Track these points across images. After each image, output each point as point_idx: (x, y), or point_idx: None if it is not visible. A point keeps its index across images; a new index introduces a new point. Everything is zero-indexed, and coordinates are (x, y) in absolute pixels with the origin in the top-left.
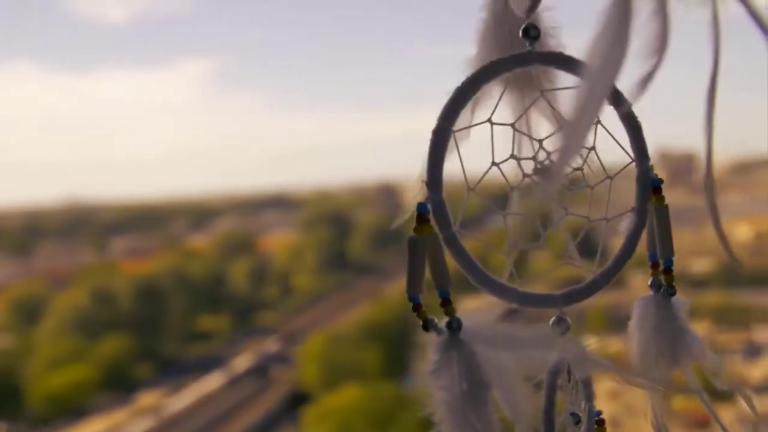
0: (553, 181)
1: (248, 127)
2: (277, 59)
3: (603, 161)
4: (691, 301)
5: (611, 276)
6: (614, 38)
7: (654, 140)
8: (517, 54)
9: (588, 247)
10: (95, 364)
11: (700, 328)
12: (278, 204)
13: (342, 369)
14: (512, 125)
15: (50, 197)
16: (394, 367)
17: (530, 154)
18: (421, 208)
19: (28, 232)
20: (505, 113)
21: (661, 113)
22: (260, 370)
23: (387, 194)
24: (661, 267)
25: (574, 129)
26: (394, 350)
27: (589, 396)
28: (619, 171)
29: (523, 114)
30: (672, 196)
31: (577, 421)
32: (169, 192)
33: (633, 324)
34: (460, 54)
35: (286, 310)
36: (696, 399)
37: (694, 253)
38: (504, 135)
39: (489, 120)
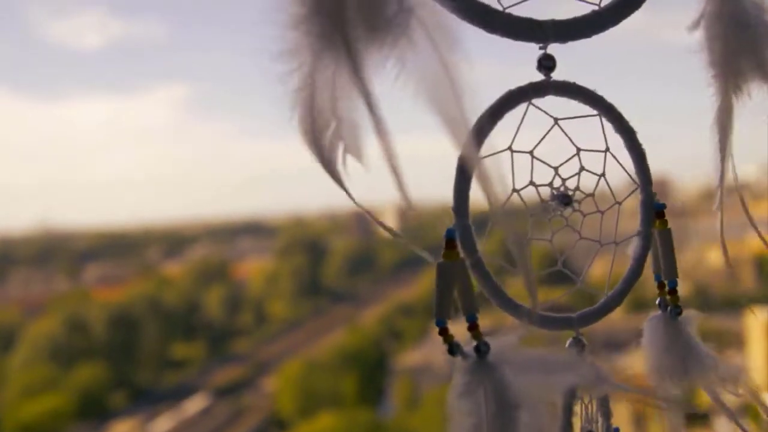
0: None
1: (222, 153)
2: (250, 85)
3: (608, 187)
4: None
5: (622, 297)
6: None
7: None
8: (537, 83)
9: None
10: (69, 393)
11: None
12: (253, 230)
13: (318, 396)
14: (530, 153)
15: (23, 224)
16: (370, 393)
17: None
18: (449, 233)
19: (1, 260)
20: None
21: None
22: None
23: (362, 221)
24: (667, 288)
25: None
26: (369, 377)
27: (606, 414)
28: (627, 197)
29: (539, 142)
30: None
31: None
32: (142, 219)
33: (644, 344)
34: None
35: (260, 337)
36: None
37: None
38: (513, 161)
39: (509, 148)
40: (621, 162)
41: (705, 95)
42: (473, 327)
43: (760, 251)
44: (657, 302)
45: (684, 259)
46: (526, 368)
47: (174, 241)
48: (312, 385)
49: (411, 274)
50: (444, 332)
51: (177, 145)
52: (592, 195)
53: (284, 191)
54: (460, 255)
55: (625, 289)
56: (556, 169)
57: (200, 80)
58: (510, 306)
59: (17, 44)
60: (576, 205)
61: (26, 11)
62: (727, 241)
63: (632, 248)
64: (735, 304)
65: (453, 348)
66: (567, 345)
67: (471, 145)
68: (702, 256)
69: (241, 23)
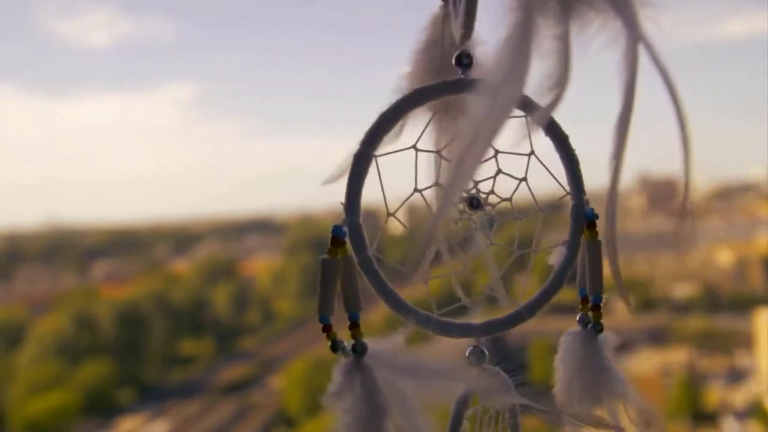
0: (443, 205)
1: (230, 150)
2: (258, 84)
3: (534, 193)
4: (674, 326)
5: (536, 309)
6: (508, 76)
7: (635, 165)
8: (449, 81)
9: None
10: (76, 390)
11: (681, 353)
12: (260, 228)
13: (325, 394)
14: (438, 152)
15: (30, 221)
16: None
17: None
18: (336, 230)
19: (8, 257)
20: (427, 137)
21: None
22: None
23: (369, 218)
24: (590, 303)
25: (469, 149)
26: None
27: (516, 427)
28: (552, 203)
29: (449, 143)
30: (653, 222)
31: None
32: (150, 216)
33: (558, 359)
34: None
35: (268, 334)
36: None
37: (675, 278)
38: (430, 162)
39: (414, 146)
40: (548, 167)
41: (708, 94)
42: (354, 326)
43: None
44: (577, 318)
45: (692, 259)
46: (406, 372)
47: (181, 238)
48: (319, 383)
49: None
50: (327, 329)
51: (185, 142)
52: (508, 199)
53: (292, 189)
54: (346, 252)
55: (540, 300)
56: None
57: (209, 78)
58: (403, 309)
59: (26, 42)
60: (489, 209)
61: (34, 9)
62: (736, 242)
63: (556, 259)
64: (743, 305)
65: (335, 345)
66: (467, 353)
67: (368, 140)
68: (710, 256)
69: (249, 22)
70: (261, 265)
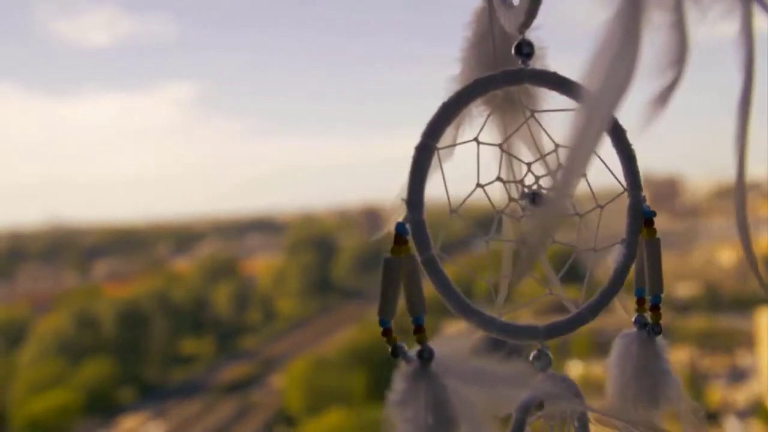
0: (552, 212)
1: (231, 150)
2: (259, 84)
3: (593, 189)
4: (675, 325)
5: (597, 311)
6: (620, 55)
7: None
8: (510, 71)
9: (576, 274)
10: (78, 389)
11: (683, 352)
12: (261, 227)
13: (326, 393)
14: (500, 146)
15: (32, 220)
16: (379, 391)
17: (517, 177)
18: (399, 228)
19: (10, 255)
20: (488, 134)
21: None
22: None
23: (371, 217)
24: (649, 304)
25: (574, 159)
26: (378, 374)
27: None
28: (611, 200)
29: (511, 135)
30: (655, 221)
31: None
32: (151, 215)
33: (613, 362)
34: (440, 77)
35: (269, 334)
36: None
37: (678, 277)
38: (489, 156)
39: (476, 139)
40: (607, 163)
41: (712, 93)
42: (418, 330)
43: None
44: (633, 319)
45: (693, 259)
46: (473, 379)
47: (183, 237)
48: (320, 382)
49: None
50: (387, 333)
51: (186, 142)
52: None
53: (293, 188)
54: (409, 251)
55: (601, 302)
56: (529, 165)
57: (209, 78)
58: (467, 311)
59: (26, 42)
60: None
61: (35, 9)
62: (737, 241)
63: (614, 258)
64: (745, 304)
65: (396, 351)
66: (530, 358)
67: (430, 132)
68: (712, 256)
69: (249, 22)
70: (262, 264)
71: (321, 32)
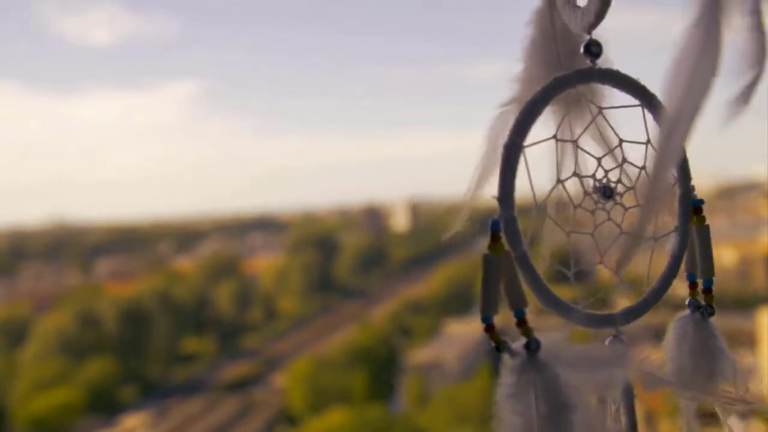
0: (652, 205)
1: (233, 148)
2: (262, 82)
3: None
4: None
5: (660, 295)
6: (702, 59)
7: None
8: (582, 70)
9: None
10: (80, 387)
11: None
12: (263, 226)
13: (328, 392)
14: (574, 142)
15: (34, 218)
16: (380, 390)
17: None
18: (494, 225)
19: (12, 254)
20: (550, 131)
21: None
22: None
23: (372, 216)
24: (701, 287)
25: (664, 157)
26: (379, 373)
27: (631, 409)
28: (665, 191)
29: (584, 131)
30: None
31: None
32: (154, 214)
33: (670, 343)
34: (444, 76)
35: (270, 332)
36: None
37: (677, 277)
38: (550, 152)
39: (554, 136)
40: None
41: (716, 92)
42: (522, 322)
43: None
44: (687, 302)
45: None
46: (576, 365)
47: (185, 236)
48: (322, 381)
49: (421, 270)
50: (490, 329)
51: (188, 141)
52: (632, 188)
53: (295, 187)
54: (504, 247)
55: (663, 287)
56: (599, 159)
57: (212, 76)
58: (555, 303)
59: (29, 40)
60: (618, 198)
61: (38, 7)
62: (739, 241)
63: (670, 245)
64: (746, 304)
65: (500, 345)
66: (607, 343)
67: (518, 131)
68: (713, 255)
69: (253, 20)
70: (264, 263)
71: (323, 31)
